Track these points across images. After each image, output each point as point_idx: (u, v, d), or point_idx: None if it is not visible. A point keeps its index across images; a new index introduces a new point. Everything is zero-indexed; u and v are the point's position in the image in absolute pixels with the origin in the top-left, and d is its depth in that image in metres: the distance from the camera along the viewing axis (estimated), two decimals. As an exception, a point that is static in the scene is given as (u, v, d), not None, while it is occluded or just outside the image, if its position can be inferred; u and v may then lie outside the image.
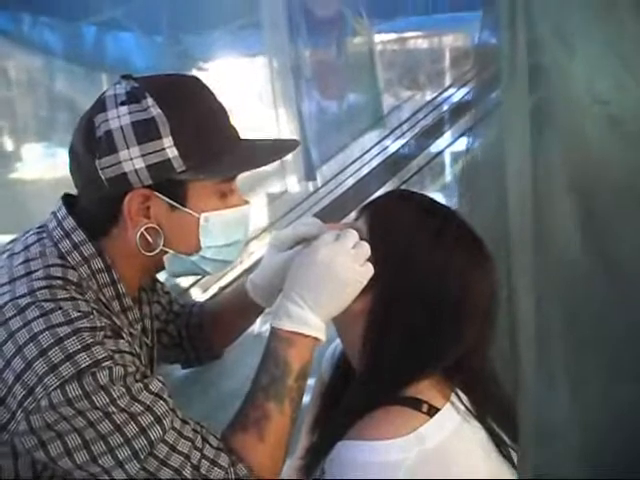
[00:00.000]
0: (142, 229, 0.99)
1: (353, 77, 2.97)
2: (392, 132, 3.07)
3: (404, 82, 3.38)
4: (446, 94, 3.01)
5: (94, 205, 1.02)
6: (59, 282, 0.97)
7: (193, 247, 1.03)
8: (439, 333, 1.01)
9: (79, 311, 0.94)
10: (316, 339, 1.01)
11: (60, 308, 0.93)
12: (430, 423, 0.98)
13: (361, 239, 1.02)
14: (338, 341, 1.23)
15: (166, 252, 1.02)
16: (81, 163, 0.99)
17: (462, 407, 1.01)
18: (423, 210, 1.07)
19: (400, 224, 1.04)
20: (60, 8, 2.92)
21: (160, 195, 0.98)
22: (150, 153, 0.96)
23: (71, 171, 1.03)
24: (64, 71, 3.18)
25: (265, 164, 1.07)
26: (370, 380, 1.04)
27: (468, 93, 2.95)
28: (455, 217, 1.07)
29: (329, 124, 2.82)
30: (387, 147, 3.05)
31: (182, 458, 0.94)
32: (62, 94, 3.37)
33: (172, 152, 0.96)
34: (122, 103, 0.97)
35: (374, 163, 2.91)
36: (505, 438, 1.03)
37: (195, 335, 1.31)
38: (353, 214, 1.11)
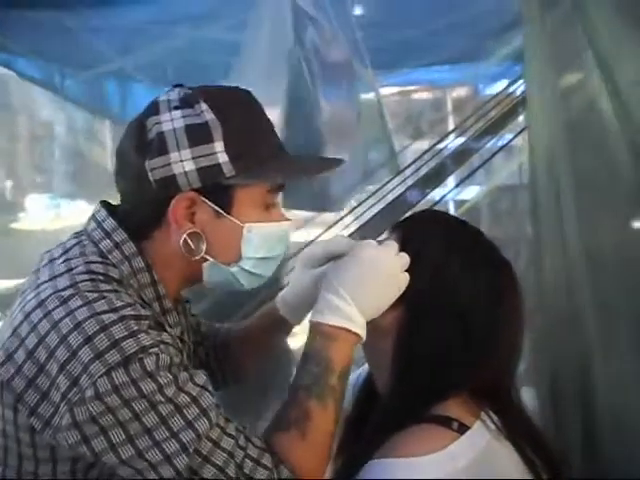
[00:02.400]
0: (186, 234, 1.00)
1: (365, 129, 3.01)
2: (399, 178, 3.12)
3: (407, 131, 3.44)
4: (447, 142, 3.07)
5: (138, 208, 1.03)
6: (100, 277, 0.97)
7: (233, 257, 1.03)
8: (469, 350, 1.02)
9: (122, 301, 0.94)
10: (358, 337, 1.00)
11: (103, 297, 0.93)
12: (461, 441, 0.98)
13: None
14: (360, 370, 1.24)
15: (206, 260, 1.03)
16: (129, 165, 1.00)
17: (492, 426, 1.01)
18: (454, 229, 1.10)
19: (432, 242, 1.07)
20: (71, 57, 2.97)
21: (207, 201, 0.99)
22: (201, 156, 0.97)
23: (117, 175, 1.05)
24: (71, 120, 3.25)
25: (312, 174, 1.12)
26: (400, 398, 1.04)
27: (468, 141, 3.01)
28: (483, 236, 1.10)
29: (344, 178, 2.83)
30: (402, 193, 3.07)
31: (226, 455, 0.92)
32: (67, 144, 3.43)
33: (223, 157, 0.98)
34: (175, 108, 0.99)
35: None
36: (536, 461, 1.03)
37: (222, 356, 1.29)
38: (385, 233, 1.13)
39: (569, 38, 1.48)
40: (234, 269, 1.04)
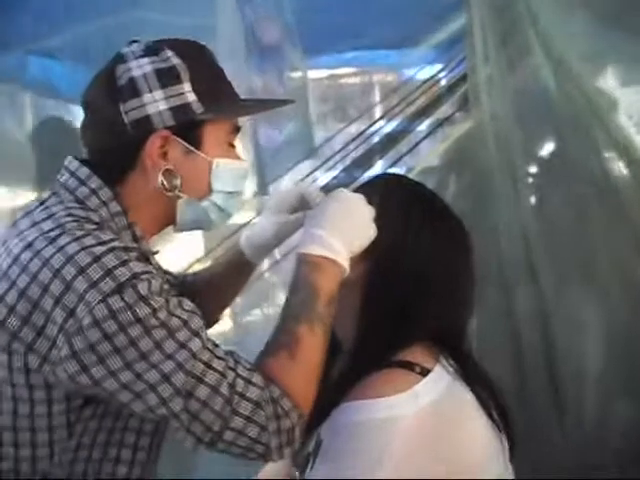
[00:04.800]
0: (162, 171, 1.05)
1: (290, 108, 3.04)
2: (324, 163, 3.15)
3: (337, 115, 3.48)
4: (376, 127, 3.13)
5: (111, 153, 1.06)
6: (83, 220, 1.00)
7: (204, 191, 1.10)
8: (430, 302, 1.09)
9: (109, 236, 0.98)
10: (342, 268, 1.04)
11: (90, 234, 0.96)
12: (424, 382, 1.03)
13: None
14: None
15: (179, 197, 1.08)
16: (102, 111, 1.05)
17: (451, 369, 1.07)
18: (413, 191, 1.17)
19: (394, 203, 1.12)
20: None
21: (178, 138, 1.05)
22: (172, 96, 1.04)
23: (86, 127, 1.09)
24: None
25: (270, 108, 1.24)
26: (367, 345, 1.08)
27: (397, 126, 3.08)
28: (439, 199, 1.16)
29: (272, 152, 2.88)
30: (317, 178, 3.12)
31: (218, 375, 0.94)
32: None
33: (192, 96, 1.05)
34: (141, 56, 1.05)
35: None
36: (488, 403, 1.08)
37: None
38: None
39: (512, 16, 1.56)
40: (205, 204, 1.10)
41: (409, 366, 1.04)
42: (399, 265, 1.08)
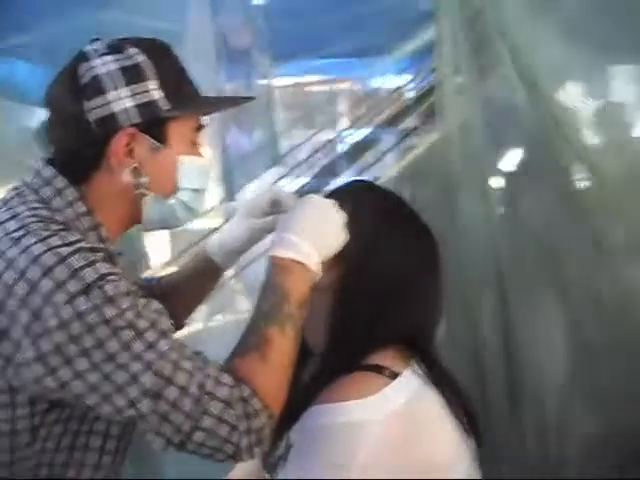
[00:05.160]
0: (129, 168, 1.04)
1: (257, 114, 3.04)
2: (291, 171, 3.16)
3: (305, 123, 3.50)
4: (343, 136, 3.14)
5: (76, 152, 1.05)
6: (48, 220, 0.99)
7: (171, 188, 1.09)
8: (399, 307, 1.10)
9: (75, 236, 0.97)
10: (313, 273, 1.04)
11: (56, 234, 0.95)
12: (393, 385, 1.04)
13: None
14: None
15: (145, 195, 1.07)
16: (65, 110, 1.03)
17: (421, 372, 1.08)
18: (383, 198, 1.18)
19: (365, 209, 1.13)
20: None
21: (144, 135, 1.05)
22: (138, 94, 1.03)
23: (51, 125, 1.07)
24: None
25: (234, 105, 1.32)
26: (339, 349, 1.09)
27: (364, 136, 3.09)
28: (408, 206, 1.18)
29: (240, 159, 2.88)
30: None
31: (186, 375, 0.93)
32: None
33: (157, 93, 1.04)
34: (105, 54, 1.04)
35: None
36: (456, 407, 1.10)
37: None
38: None
39: (482, 26, 1.58)
40: (172, 201, 1.10)
41: (378, 369, 1.05)
42: (370, 270, 1.09)
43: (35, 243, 0.93)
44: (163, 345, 0.93)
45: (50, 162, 1.06)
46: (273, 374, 0.99)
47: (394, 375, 1.05)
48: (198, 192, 1.13)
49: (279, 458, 1.06)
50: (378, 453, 0.98)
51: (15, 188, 1.06)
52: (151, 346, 0.92)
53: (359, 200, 1.14)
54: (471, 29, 1.60)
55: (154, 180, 1.07)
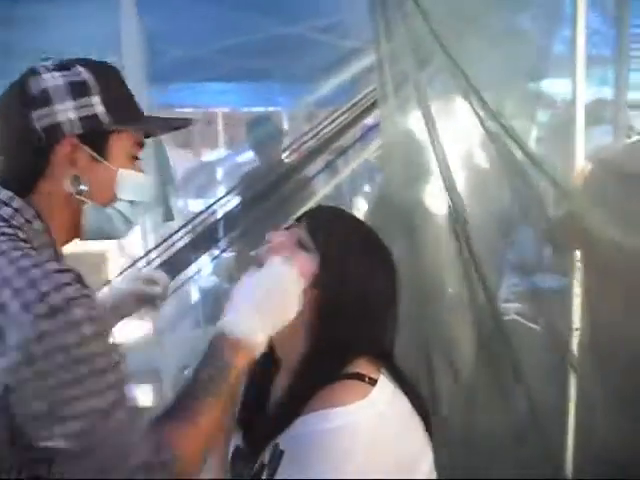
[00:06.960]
0: (70, 176, 1.10)
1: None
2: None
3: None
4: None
5: (22, 160, 1.11)
6: (14, 238, 1.03)
7: (109, 198, 1.16)
8: (371, 323, 1.17)
9: (43, 257, 1.02)
10: (258, 349, 1.07)
11: (27, 255, 0.99)
12: (375, 390, 1.10)
13: (302, 240, 1.17)
14: None
15: (84, 203, 1.13)
16: (13, 118, 1.10)
17: (392, 378, 1.15)
18: (351, 225, 1.24)
19: (338, 234, 1.19)
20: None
21: (85, 147, 1.11)
22: (82, 107, 1.10)
23: None
24: None
25: (179, 127, 1.28)
26: (318, 362, 1.14)
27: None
28: (373, 232, 1.24)
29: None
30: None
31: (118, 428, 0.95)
32: None
33: (100, 108, 1.12)
34: (54, 70, 1.11)
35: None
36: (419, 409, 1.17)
37: None
38: (290, 222, 1.26)
39: (424, 46, 1.64)
40: (110, 210, 1.17)
41: (360, 377, 1.11)
42: (344, 291, 1.15)
43: (6, 265, 0.96)
44: (112, 394, 0.96)
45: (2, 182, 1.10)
46: (198, 442, 1.02)
47: (373, 381, 1.11)
48: (135, 204, 1.19)
49: (263, 465, 1.11)
50: (372, 452, 1.04)
51: None
52: (101, 393, 0.95)
53: (330, 226, 1.21)
54: (413, 50, 1.65)
55: (93, 189, 1.13)
